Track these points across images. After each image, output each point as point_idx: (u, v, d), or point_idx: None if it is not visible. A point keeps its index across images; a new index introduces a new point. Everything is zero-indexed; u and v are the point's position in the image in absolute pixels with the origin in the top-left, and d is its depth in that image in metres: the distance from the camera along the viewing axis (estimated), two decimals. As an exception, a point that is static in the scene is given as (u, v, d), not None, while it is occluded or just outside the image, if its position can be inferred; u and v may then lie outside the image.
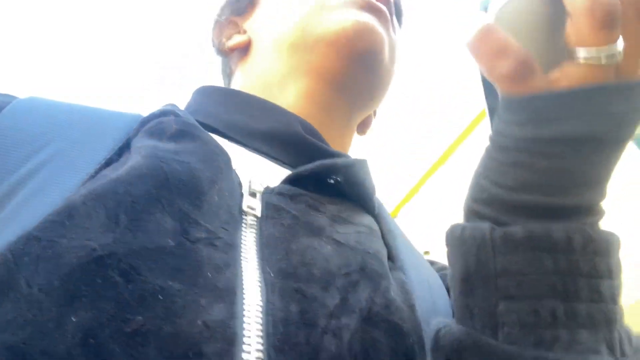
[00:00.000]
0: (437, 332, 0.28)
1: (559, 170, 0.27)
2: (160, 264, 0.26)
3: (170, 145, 0.34)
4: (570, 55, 0.27)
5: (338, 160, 0.39)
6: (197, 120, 0.40)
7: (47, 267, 0.24)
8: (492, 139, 0.29)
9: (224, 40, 0.55)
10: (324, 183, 0.39)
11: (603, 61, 0.25)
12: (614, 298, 0.27)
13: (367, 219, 0.39)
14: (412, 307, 0.32)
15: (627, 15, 0.26)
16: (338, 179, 0.39)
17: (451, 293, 0.30)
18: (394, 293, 0.32)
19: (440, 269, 0.47)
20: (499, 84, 0.28)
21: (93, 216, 0.27)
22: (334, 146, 0.47)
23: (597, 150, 0.26)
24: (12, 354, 0.21)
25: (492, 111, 0.31)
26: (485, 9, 0.29)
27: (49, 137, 0.34)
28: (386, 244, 0.39)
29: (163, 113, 0.38)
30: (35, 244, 0.24)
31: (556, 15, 0.27)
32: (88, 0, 1.21)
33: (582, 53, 0.26)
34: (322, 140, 0.45)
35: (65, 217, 0.26)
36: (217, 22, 0.58)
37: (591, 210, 0.28)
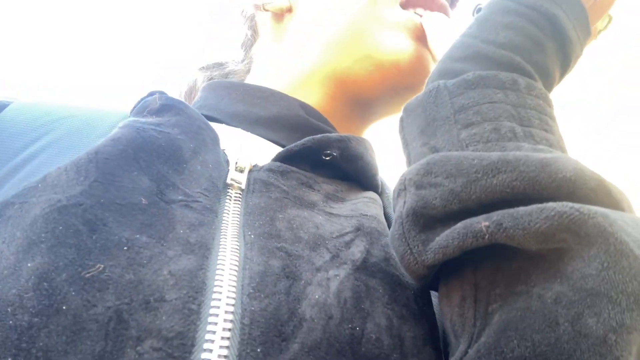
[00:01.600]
0: (401, 177, 0.27)
1: (538, 43, 0.30)
2: (129, 218, 0.25)
3: (152, 119, 0.34)
4: None
5: (331, 135, 0.37)
6: (203, 114, 0.40)
7: (15, 222, 0.24)
8: (493, 4, 0.33)
9: None
10: (320, 162, 0.37)
11: None
12: (562, 137, 0.29)
13: (368, 194, 0.38)
14: None
15: None
16: (334, 153, 0.37)
17: (409, 155, 0.30)
18: None
19: None
20: None
21: (63, 175, 0.26)
22: (343, 132, 0.45)
23: (559, 49, 0.32)
24: None
25: None
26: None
27: (46, 128, 0.35)
28: (387, 217, 0.38)
29: (150, 94, 0.38)
30: (10, 207, 0.25)
31: None
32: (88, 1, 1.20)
33: None
34: (327, 123, 0.43)
35: (39, 182, 0.26)
36: None
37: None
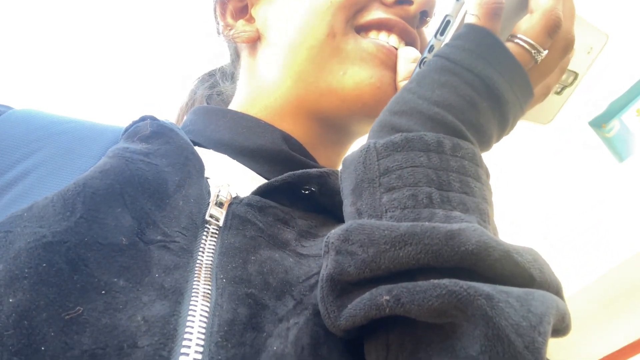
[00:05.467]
0: (327, 237, 0.28)
1: (472, 102, 0.32)
2: (109, 260, 0.26)
3: (141, 146, 0.34)
4: (510, 38, 0.35)
5: (311, 170, 0.39)
6: (190, 139, 0.41)
7: None
8: (433, 62, 0.34)
9: (228, 20, 0.51)
10: (299, 195, 0.38)
11: (533, 52, 0.35)
12: (485, 198, 0.30)
13: None
14: None
15: (558, 41, 0.36)
16: (312, 188, 0.38)
17: (344, 210, 0.31)
18: None
19: None
20: (481, 10, 0.34)
21: (49, 206, 0.27)
22: (325, 162, 0.47)
23: (495, 109, 0.33)
24: None
25: (431, 48, 0.39)
26: None
27: (39, 144, 0.35)
28: None
29: (142, 119, 0.39)
30: None
31: (516, 6, 0.37)
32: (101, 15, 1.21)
33: (524, 39, 0.35)
34: (308, 156, 0.45)
35: (25, 211, 0.26)
36: None
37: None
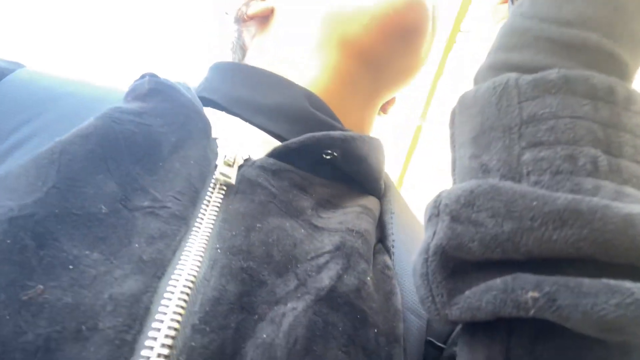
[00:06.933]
0: (437, 197, 0.22)
1: (617, 4, 0.23)
2: (83, 231, 0.24)
3: (134, 105, 0.32)
4: None
5: (334, 133, 0.35)
6: (203, 97, 0.39)
7: None
8: None
9: (242, 6, 0.49)
10: (320, 160, 0.35)
11: None
12: None
13: (366, 200, 0.35)
14: (388, 295, 0.28)
15: None
16: (334, 153, 0.34)
17: (454, 162, 0.25)
18: (371, 278, 0.28)
19: None
20: None
21: (22, 176, 0.25)
22: (350, 125, 0.43)
23: None
24: None
25: None
26: None
27: (43, 107, 0.33)
28: (382, 224, 0.36)
29: (142, 76, 0.36)
30: None
31: None
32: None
33: None
34: (333, 117, 0.40)
35: (1, 180, 0.25)
36: None
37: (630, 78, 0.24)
